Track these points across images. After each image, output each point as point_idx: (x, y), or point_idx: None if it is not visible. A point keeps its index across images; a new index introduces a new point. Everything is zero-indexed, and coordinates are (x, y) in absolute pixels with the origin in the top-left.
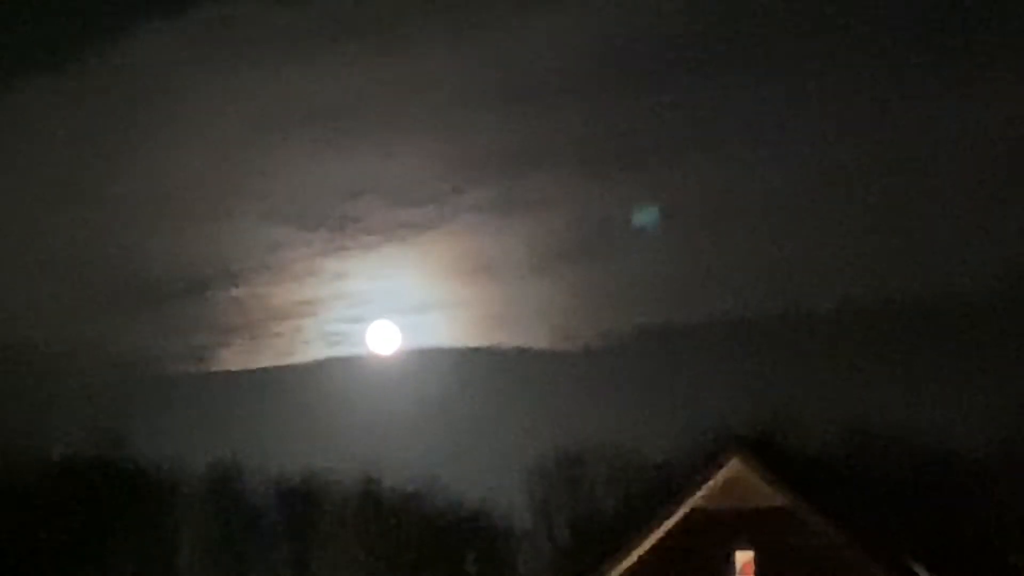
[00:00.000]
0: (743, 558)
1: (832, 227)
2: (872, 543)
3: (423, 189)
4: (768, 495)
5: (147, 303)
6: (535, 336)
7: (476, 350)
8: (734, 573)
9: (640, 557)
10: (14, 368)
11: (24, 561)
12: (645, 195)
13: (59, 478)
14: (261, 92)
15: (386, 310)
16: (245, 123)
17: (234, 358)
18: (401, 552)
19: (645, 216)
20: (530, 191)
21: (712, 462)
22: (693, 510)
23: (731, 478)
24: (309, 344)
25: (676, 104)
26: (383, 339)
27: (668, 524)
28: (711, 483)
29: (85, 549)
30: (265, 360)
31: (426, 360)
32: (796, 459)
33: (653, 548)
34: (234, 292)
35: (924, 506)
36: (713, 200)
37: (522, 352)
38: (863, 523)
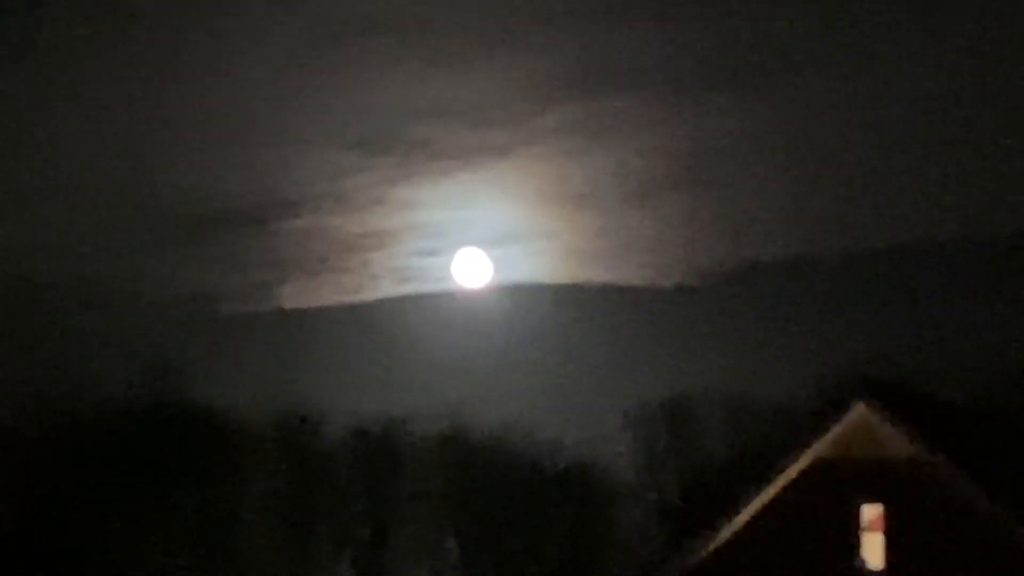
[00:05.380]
0: (871, 512)
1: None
2: (1011, 497)
3: (501, 110)
4: (898, 444)
5: (201, 237)
6: (631, 271)
7: (569, 286)
8: (860, 528)
9: (756, 513)
10: (61, 306)
11: (79, 506)
12: (746, 118)
13: (113, 421)
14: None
15: (463, 242)
16: (304, 36)
17: (298, 295)
18: (490, 507)
19: None
20: (618, 112)
21: (836, 408)
22: (815, 460)
23: (857, 425)
24: (384, 279)
25: (774, 20)
26: (468, 272)
27: (787, 476)
28: (835, 431)
29: (142, 497)
30: (337, 296)
31: (508, 296)
32: (929, 404)
33: (771, 503)
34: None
35: None
36: (822, 123)
37: (619, 289)
38: (1002, 475)
